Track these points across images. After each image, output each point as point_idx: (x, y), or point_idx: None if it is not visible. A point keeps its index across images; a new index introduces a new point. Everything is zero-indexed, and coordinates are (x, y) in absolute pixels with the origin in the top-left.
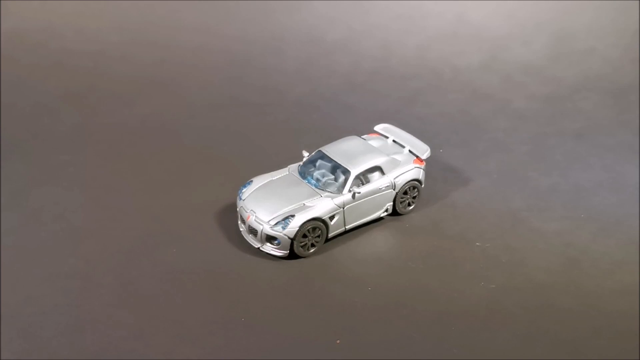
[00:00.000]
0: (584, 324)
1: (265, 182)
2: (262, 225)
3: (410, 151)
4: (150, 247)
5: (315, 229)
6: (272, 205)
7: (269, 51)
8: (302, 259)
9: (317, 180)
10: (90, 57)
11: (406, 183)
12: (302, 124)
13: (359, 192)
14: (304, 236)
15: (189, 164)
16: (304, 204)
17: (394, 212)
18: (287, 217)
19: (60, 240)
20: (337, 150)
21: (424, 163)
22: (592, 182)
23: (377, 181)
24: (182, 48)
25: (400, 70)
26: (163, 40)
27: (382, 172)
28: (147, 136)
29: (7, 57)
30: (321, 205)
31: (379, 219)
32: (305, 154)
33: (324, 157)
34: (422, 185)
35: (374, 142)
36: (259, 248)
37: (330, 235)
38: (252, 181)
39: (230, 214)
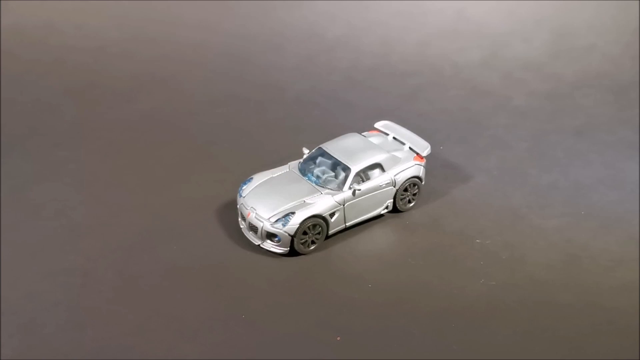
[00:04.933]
0: (584, 321)
1: (266, 179)
2: (262, 222)
3: (410, 148)
4: (151, 244)
5: (316, 226)
6: (273, 202)
7: (269, 48)
8: (303, 256)
9: (318, 177)
10: (91, 54)
11: (406, 180)
12: (302, 121)
13: (359, 189)
14: (304, 233)
15: (189, 160)
16: (304, 201)
17: (394, 209)
18: (287, 214)
19: (60, 236)
20: (337, 147)
21: (424, 160)
22: (592, 179)
23: (377, 178)
24: (182, 44)
25: (400, 67)
26: (163, 37)
27: (383, 169)
28: (147, 132)
29: (7, 53)
30: (321, 202)
31: (379, 216)
32: (306, 151)
33: (324, 154)
34: (423, 182)
35: (374, 139)
36: (259, 245)
37: (331, 232)
38: (252, 178)
39: (230, 211)
